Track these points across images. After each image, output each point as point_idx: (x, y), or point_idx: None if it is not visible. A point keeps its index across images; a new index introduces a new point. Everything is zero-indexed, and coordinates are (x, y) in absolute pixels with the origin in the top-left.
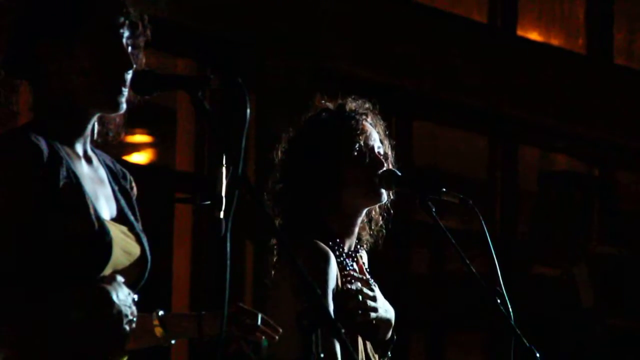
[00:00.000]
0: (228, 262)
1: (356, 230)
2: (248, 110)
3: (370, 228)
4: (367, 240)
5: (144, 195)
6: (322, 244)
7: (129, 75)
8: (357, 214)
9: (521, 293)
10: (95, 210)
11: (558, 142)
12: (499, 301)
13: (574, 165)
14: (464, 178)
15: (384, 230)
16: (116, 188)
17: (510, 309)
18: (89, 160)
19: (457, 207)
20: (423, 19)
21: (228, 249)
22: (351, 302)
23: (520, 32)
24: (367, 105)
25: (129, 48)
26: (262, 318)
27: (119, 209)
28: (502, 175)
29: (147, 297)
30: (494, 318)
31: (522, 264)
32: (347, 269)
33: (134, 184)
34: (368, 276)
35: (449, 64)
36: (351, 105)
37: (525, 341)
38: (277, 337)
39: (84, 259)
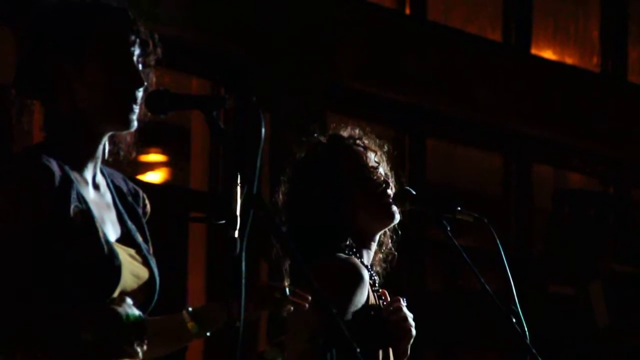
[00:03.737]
0: (243, 281)
1: (372, 254)
2: (263, 129)
3: (380, 251)
4: (380, 267)
5: (159, 214)
6: (354, 259)
7: (140, 93)
8: (373, 237)
9: (536, 311)
10: (104, 235)
11: (572, 160)
12: (513, 319)
13: (588, 183)
14: (478, 196)
15: (395, 253)
16: (123, 210)
17: (525, 328)
18: (96, 187)
19: (472, 225)
20: (437, 37)
21: (243, 268)
22: (391, 315)
23: (534, 51)
24: (357, 130)
25: (140, 66)
26: (290, 289)
27: (125, 232)
28: (516, 193)
29: (162, 315)
30: (508, 336)
31: (536, 282)
32: (376, 285)
33: (147, 202)
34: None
35: (463, 82)
36: (344, 132)
37: None
38: (307, 305)
39: (94, 282)
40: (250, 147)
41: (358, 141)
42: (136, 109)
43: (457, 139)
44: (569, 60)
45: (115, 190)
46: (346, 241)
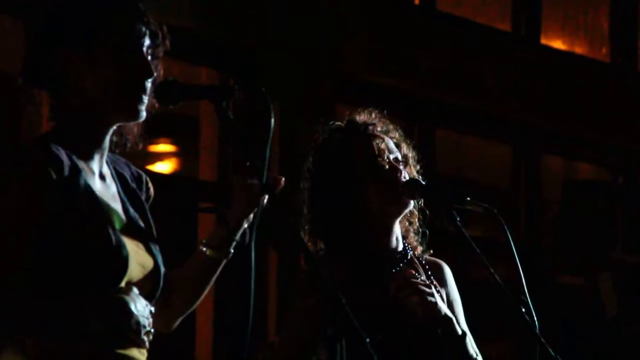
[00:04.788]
0: (252, 270)
1: (394, 238)
2: (272, 120)
3: (412, 228)
4: (417, 243)
5: (168, 205)
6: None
7: (149, 84)
8: (391, 223)
9: (545, 302)
10: (112, 224)
11: (582, 151)
12: (523, 310)
13: (597, 173)
14: (488, 187)
15: (426, 230)
16: (126, 199)
17: (535, 318)
18: (102, 178)
19: (481, 216)
20: (446, 28)
21: (252, 257)
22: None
23: (543, 41)
24: (374, 115)
25: (149, 57)
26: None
27: (129, 221)
28: (525, 184)
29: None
30: (518, 327)
31: (546, 272)
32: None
33: (150, 185)
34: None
35: (472, 72)
36: (359, 118)
37: (550, 350)
38: (282, 181)
39: (101, 272)
40: (259, 137)
41: (371, 127)
42: (145, 99)
43: (466, 130)
44: (578, 51)
45: (118, 177)
46: (358, 229)
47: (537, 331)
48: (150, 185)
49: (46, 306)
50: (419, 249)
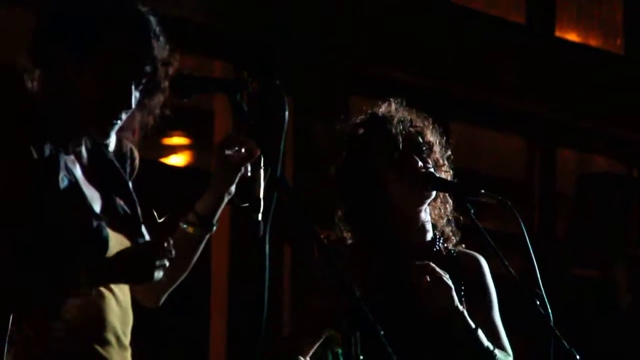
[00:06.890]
0: (266, 264)
1: (419, 229)
2: (286, 113)
3: (444, 221)
4: (451, 233)
5: (181, 198)
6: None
7: (124, 115)
8: (414, 215)
9: (559, 294)
10: (92, 207)
11: (596, 144)
12: (537, 302)
13: (612, 166)
14: (502, 180)
15: (459, 217)
16: (103, 184)
17: (549, 310)
18: (81, 162)
19: (495, 208)
20: (460, 20)
21: (266, 251)
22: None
23: (558, 33)
24: (394, 105)
25: (135, 89)
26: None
27: (108, 209)
28: (540, 177)
29: (186, 299)
30: (532, 319)
31: (560, 265)
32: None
33: (136, 155)
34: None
35: (487, 65)
36: (380, 111)
37: (564, 343)
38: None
39: (81, 252)
40: (273, 130)
41: (390, 121)
42: (118, 123)
43: (481, 123)
44: (593, 43)
45: (98, 157)
46: (382, 217)
47: (551, 323)
48: (135, 155)
49: (35, 269)
50: (453, 239)
